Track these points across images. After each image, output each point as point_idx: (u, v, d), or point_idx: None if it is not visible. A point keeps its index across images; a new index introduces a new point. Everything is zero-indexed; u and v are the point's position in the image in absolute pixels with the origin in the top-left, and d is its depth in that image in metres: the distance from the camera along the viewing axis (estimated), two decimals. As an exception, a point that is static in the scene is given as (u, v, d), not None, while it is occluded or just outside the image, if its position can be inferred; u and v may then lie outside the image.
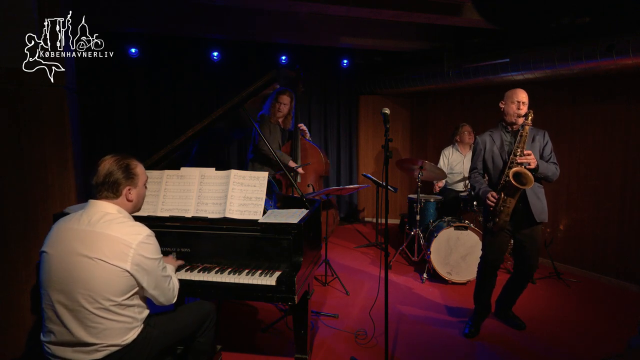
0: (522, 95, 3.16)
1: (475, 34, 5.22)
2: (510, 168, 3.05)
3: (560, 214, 4.90)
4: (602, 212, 4.50)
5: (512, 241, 3.44)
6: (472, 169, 3.43)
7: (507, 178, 3.01)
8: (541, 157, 3.22)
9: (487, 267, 3.35)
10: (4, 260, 2.86)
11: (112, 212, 1.95)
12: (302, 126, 4.88)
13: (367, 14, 4.15)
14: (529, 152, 3.04)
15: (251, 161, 4.50)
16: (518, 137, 3.07)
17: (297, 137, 4.70)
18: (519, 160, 3.03)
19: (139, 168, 2.06)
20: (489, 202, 3.15)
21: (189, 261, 2.61)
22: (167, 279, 2.05)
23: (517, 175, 3.00)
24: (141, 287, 1.93)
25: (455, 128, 5.38)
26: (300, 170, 4.64)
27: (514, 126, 3.20)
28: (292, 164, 4.49)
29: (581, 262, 4.71)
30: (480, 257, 3.44)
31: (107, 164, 1.98)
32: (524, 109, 3.13)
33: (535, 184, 3.18)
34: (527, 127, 3.03)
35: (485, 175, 3.41)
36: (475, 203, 4.61)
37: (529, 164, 3.02)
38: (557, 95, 4.86)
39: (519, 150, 3.04)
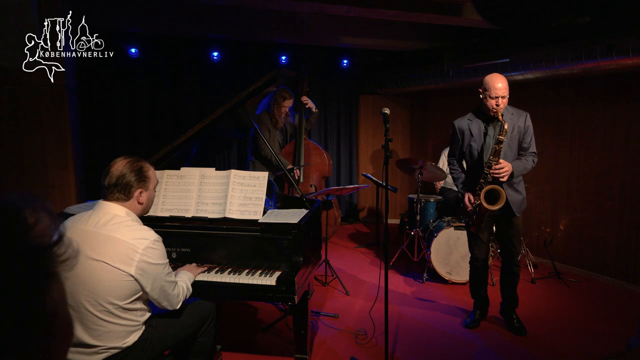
0: (501, 90, 2.99)
1: (475, 34, 5.22)
2: (484, 178, 3.04)
3: (560, 214, 4.90)
4: (602, 212, 4.50)
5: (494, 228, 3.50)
6: (450, 155, 3.42)
7: (479, 200, 3.03)
8: (520, 145, 3.19)
9: (476, 263, 3.45)
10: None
11: (121, 214, 1.94)
12: (306, 100, 4.61)
13: (367, 14, 4.15)
14: (502, 165, 2.99)
15: (252, 162, 4.48)
16: (492, 150, 3.01)
17: (301, 137, 4.64)
18: (492, 175, 3.02)
19: (151, 171, 2.07)
20: (466, 203, 3.20)
21: (189, 261, 2.60)
22: (172, 285, 2.03)
23: (488, 195, 3.01)
24: (145, 292, 1.93)
25: None
26: (297, 172, 4.55)
27: (493, 121, 3.14)
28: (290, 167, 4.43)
29: (581, 262, 4.71)
30: (469, 250, 3.52)
31: (120, 166, 1.97)
32: (503, 102, 3.02)
33: (514, 179, 3.18)
34: (501, 145, 2.97)
35: (463, 161, 3.40)
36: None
37: (503, 178, 3.02)
38: (557, 95, 4.86)
39: (492, 163, 3.00)
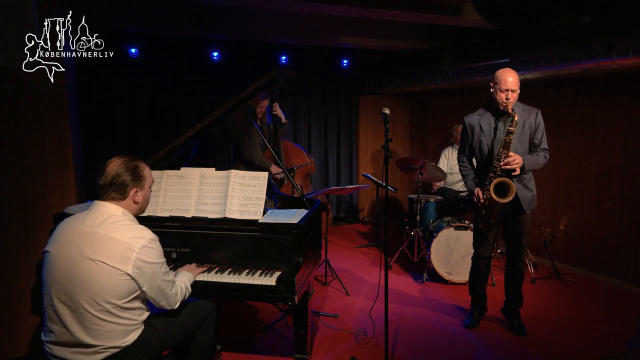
0: (512, 83, 3.01)
1: (475, 34, 5.22)
2: (494, 172, 3.02)
3: (560, 214, 4.90)
4: (602, 212, 4.50)
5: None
6: (461, 152, 3.40)
7: (488, 192, 3.01)
8: (531, 142, 3.18)
9: (480, 260, 3.44)
10: (4, 261, 2.86)
11: (116, 214, 1.95)
12: (275, 108, 4.44)
13: (367, 14, 4.15)
14: (512, 157, 2.97)
15: (235, 166, 4.40)
16: (502, 142, 3.00)
17: (278, 139, 4.59)
18: (502, 167, 3.00)
19: (147, 171, 2.07)
20: (475, 199, 3.18)
21: (189, 262, 2.60)
22: (170, 284, 2.04)
23: (498, 188, 2.99)
24: (142, 291, 1.93)
25: (453, 129, 5.40)
26: (280, 174, 4.47)
27: (503, 115, 3.13)
28: (274, 169, 4.35)
29: (581, 262, 4.71)
30: (472, 246, 3.51)
31: (115, 165, 1.98)
32: (513, 96, 3.02)
33: (524, 175, 3.15)
34: (511, 136, 2.96)
35: (473, 158, 3.39)
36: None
37: (514, 170, 3.00)
38: (557, 95, 4.86)
39: (502, 156, 2.99)
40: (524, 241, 3.32)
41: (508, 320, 3.54)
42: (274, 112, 4.43)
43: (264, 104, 4.32)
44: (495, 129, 3.15)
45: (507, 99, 3.02)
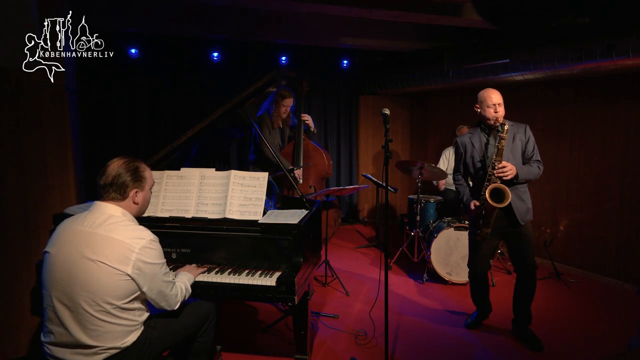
0: (496, 97, 3.11)
1: (475, 34, 5.22)
2: (488, 180, 3.03)
3: (560, 214, 4.90)
4: (602, 212, 4.50)
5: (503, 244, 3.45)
6: (455, 171, 3.44)
7: (484, 197, 3.01)
8: (523, 154, 3.20)
9: (475, 276, 3.43)
10: (4, 261, 2.86)
11: (116, 214, 1.95)
12: (307, 118, 4.70)
13: (367, 14, 4.15)
14: (505, 164, 3.00)
15: (252, 164, 4.46)
16: (495, 149, 3.03)
17: (300, 137, 4.62)
18: (496, 175, 3.01)
19: (147, 172, 2.08)
20: (471, 210, 3.18)
21: (189, 262, 2.60)
22: (170, 285, 2.04)
23: (493, 193, 3.00)
24: (142, 292, 1.93)
25: (457, 129, 5.40)
26: (297, 173, 4.52)
27: (494, 130, 3.17)
28: (297, 171, 4.39)
29: (581, 262, 4.71)
30: (467, 266, 3.49)
31: (116, 166, 1.98)
32: (500, 110, 3.10)
33: (519, 186, 3.16)
34: (503, 142, 2.99)
35: (469, 177, 3.40)
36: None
37: (507, 177, 3.01)
38: (557, 95, 4.86)
39: (496, 163, 3.01)
40: (530, 256, 3.22)
41: (518, 337, 3.36)
42: (306, 122, 4.64)
43: (288, 103, 4.34)
44: (487, 144, 3.20)
45: (495, 112, 3.10)
